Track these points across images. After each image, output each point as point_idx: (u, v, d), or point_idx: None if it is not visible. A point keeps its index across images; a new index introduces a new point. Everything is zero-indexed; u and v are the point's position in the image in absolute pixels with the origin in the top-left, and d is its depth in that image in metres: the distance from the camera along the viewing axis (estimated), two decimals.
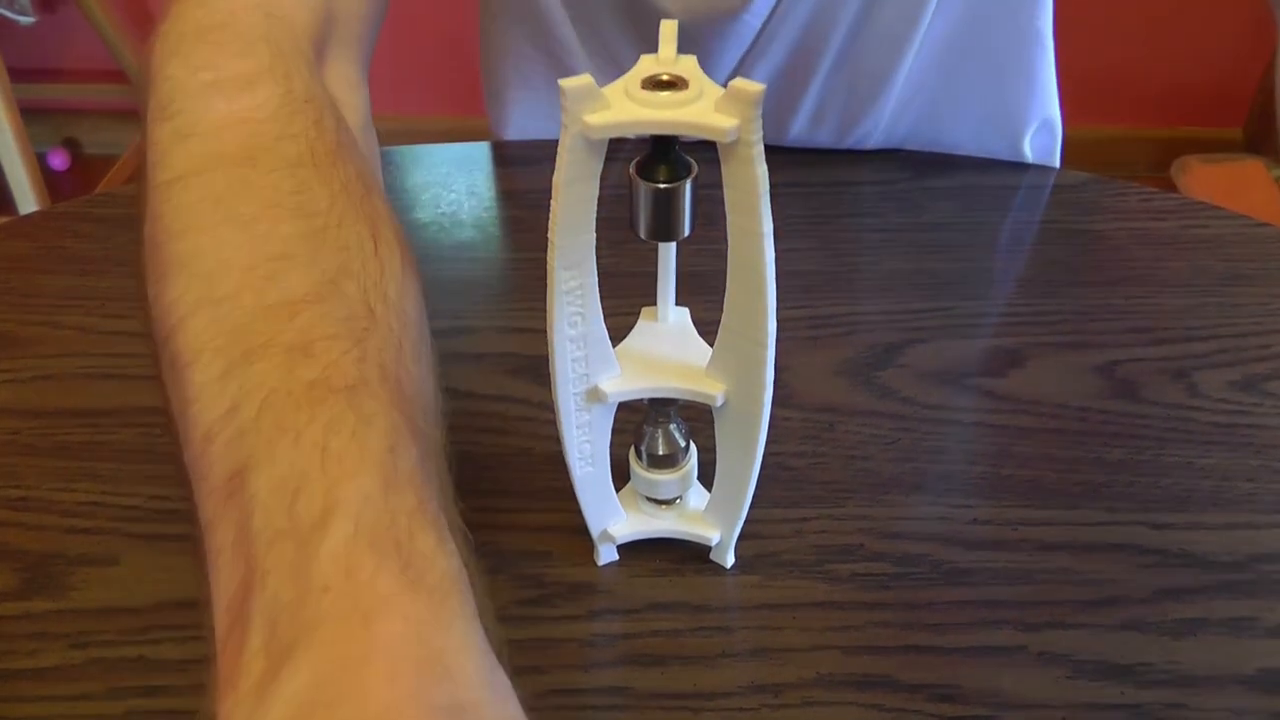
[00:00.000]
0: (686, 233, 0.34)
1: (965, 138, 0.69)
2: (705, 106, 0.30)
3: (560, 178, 0.31)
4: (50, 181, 1.84)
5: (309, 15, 0.43)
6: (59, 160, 2.14)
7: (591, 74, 0.30)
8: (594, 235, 0.34)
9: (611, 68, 0.66)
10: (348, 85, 0.44)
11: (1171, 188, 1.83)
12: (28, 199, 1.74)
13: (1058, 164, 0.73)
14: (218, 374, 0.28)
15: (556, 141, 0.31)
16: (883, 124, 0.68)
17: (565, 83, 0.29)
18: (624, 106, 0.30)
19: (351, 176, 0.35)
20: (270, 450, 0.26)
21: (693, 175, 0.33)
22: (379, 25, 0.49)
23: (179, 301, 0.31)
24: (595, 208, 0.33)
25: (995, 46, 0.65)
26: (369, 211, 0.34)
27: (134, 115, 2.06)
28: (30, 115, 1.76)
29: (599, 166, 0.32)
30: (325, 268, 0.31)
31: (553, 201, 0.32)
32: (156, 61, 0.39)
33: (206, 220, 0.33)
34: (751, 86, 0.29)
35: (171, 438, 0.30)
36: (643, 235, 0.34)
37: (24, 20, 1.96)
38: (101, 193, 0.71)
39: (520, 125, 0.74)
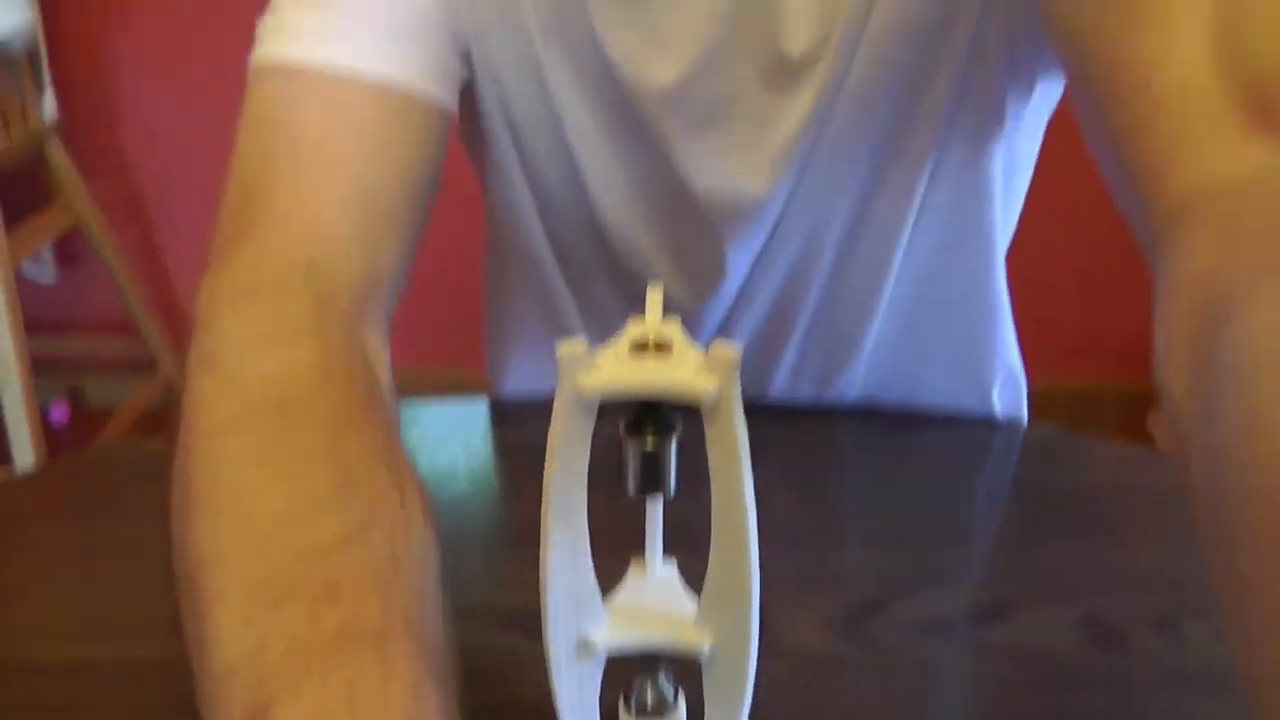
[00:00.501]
0: (673, 489, 0.36)
1: (938, 390, 0.73)
2: (688, 369, 0.33)
3: (555, 438, 0.34)
4: (48, 432, 1.87)
5: (352, 274, 0.46)
6: (60, 412, 2.18)
7: (585, 332, 0.33)
8: (585, 491, 0.35)
9: (604, 326, 0.70)
10: (376, 346, 0.47)
11: (1149, 439, 1.87)
12: (25, 450, 1.76)
13: (1025, 415, 0.76)
14: (244, 614, 0.29)
15: (550, 397, 0.33)
16: (859, 378, 0.71)
17: (561, 348, 0.32)
18: (614, 371, 0.33)
19: (381, 435, 0.37)
20: (295, 690, 0.27)
21: (677, 433, 0.35)
22: (405, 286, 0.53)
23: (209, 541, 0.32)
24: (587, 465, 0.35)
25: (954, 306, 0.69)
26: (396, 467, 0.37)
27: (139, 369, 2.11)
28: (37, 366, 1.81)
29: (591, 425, 0.34)
30: (355, 517, 0.33)
31: (547, 459, 0.34)
32: (204, 311, 0.41)
33: (241, 465, 0.35)
34: (730, 350, 0.32)
35: (190, 674, 0.30)
36: (631, 492, 0.36)
37: (45, 279, 2.05)
38: (103, 446, 0.73)
39: (519, 376, 0.78)
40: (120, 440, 1.86)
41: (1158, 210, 0.38)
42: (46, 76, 1.82)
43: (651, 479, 0.36)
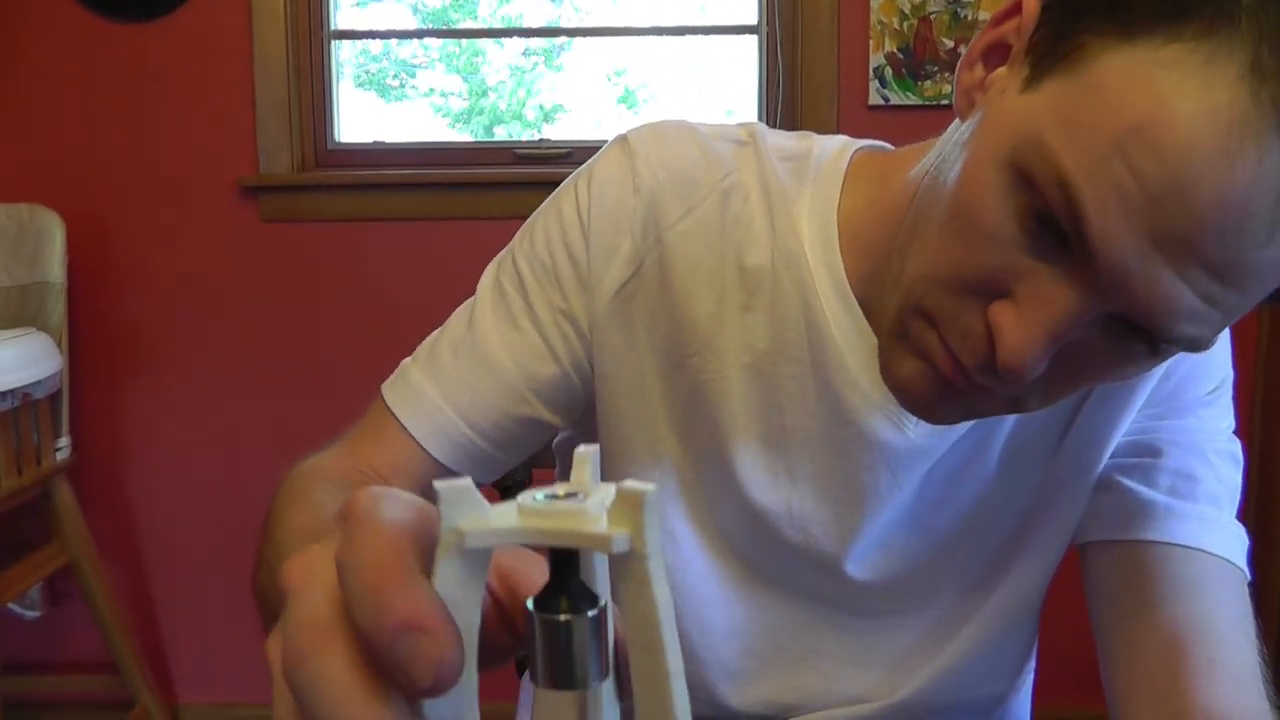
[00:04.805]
0: (594, 682, 0.29)
1: None
2: (588, 515, 0.27)
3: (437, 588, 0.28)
4: None
5: None
6: None
7: None
8: (476, 678, 0.29)
9: None
10: None
11: None
12: None
13: None
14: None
15: None
16: None
17: (440, 485, 0.27)
18: (504, 515, 0.28)
19: None
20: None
21: (599, 608, 0.29)
22: None
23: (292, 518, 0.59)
24: (477, 641, 0.28)
25: None
26: None
27: (115, 707, 1.97)
28: (11, 709, 1.70)
29: (480, 591, 0.28)
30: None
31: None
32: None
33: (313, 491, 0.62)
34: (640, 486, 0.27)
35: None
36: (540, 684, 0.29)
37: (30, 615, 1.97)
38: None
39: None
40: None
41: None
42: (65, 420, 1.85)
43: (564, 668, 0.29)
